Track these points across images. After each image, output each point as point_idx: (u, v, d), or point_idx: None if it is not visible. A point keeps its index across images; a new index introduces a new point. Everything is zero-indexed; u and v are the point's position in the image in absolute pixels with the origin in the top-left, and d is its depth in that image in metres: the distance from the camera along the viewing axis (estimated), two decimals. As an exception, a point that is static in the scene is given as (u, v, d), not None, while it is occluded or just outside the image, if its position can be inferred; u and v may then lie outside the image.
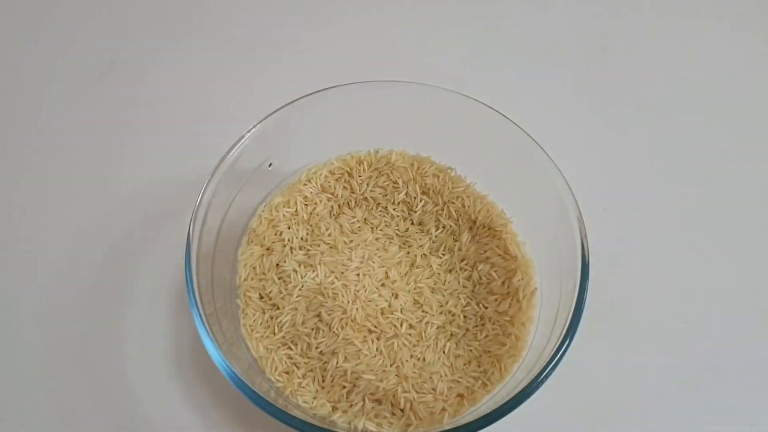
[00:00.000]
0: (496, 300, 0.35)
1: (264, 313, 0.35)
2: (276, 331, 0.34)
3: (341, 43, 0.50)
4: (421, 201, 0.38)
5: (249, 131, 0.34)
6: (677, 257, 0.40)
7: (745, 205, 0.43)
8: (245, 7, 0.52)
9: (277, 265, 0.36)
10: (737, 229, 0.42)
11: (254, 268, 0.36)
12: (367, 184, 0.38)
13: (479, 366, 0.34)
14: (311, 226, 0.37)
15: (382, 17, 0.52)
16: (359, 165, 0.39)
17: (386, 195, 0.38)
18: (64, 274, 0.39)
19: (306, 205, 0.38)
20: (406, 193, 0.38)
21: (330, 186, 0.38)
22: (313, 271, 0.35)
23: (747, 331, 0.38)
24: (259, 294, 0.35)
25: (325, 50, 0.49)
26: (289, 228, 0.37)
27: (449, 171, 0.38)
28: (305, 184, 0.38)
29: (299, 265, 0.36)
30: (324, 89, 0.35)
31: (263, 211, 0.37)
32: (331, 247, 0.36)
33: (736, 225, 0.42)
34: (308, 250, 0.36)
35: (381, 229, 0.38)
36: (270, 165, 0.36)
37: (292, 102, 0.35)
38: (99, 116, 0.46)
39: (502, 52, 0.50)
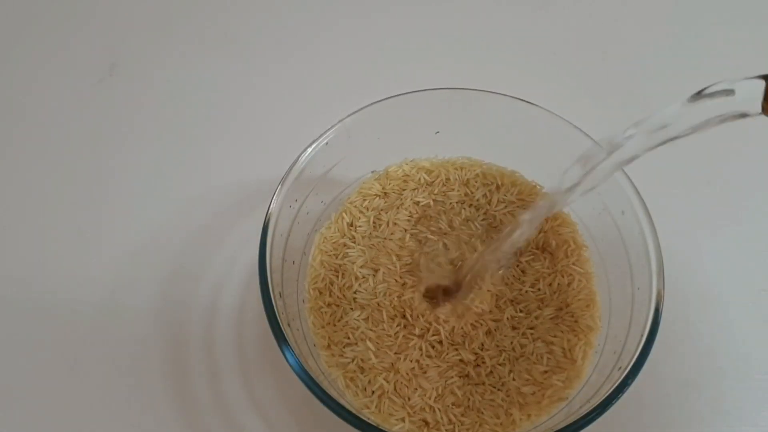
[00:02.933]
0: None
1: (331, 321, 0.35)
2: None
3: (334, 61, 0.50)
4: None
5: (320, 137, 0.35)
6: (677, 257, 0.40)
7: (748, 204, 0.43)
8: (247, 10, 0.53)
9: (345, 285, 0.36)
10: (738, 229, 0.42)
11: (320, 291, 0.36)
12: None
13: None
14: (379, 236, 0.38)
15: (378, 22, 0.52)
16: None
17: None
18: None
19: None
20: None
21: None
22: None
23: (748, 330, 0.38)
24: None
25: (322, 67, 0.50)
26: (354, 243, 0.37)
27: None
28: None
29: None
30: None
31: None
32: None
33: (736, 224, 0.42)
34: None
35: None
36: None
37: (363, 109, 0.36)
38: (99, 119, 0.47)
39: (502, 53, 0.50)
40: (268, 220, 0.32)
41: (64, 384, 0.37)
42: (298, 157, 0.34)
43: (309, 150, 0.34)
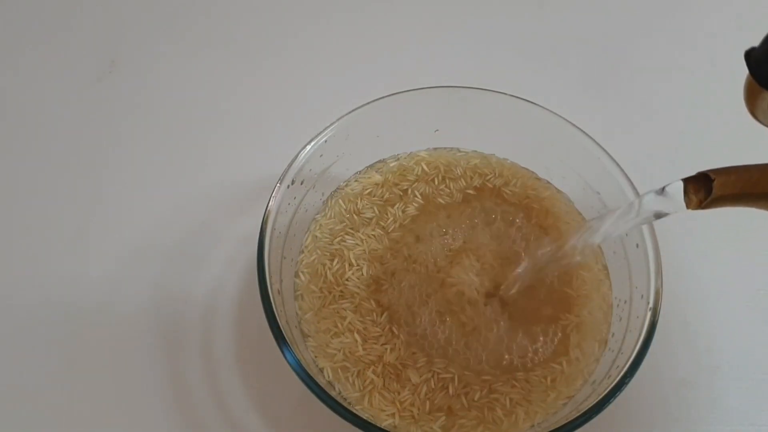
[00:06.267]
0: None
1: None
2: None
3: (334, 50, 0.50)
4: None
5: (319, 135, 0.35)
6: (675, 256, 0.40)
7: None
8: (246, 7, 0.52)
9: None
10: (736, 228, 0.41)
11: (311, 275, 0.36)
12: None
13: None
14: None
15: (377, 20, 0.52)
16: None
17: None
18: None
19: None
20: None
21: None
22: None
23: (746, 330, 0.39)
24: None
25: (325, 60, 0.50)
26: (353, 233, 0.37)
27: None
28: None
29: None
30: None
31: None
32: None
33: (734, 224, 0.41)
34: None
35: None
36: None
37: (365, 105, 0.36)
38: (98, 117, 0.47)
39: (503, 52, 0.50)
40: (267, 217, 0.32)
41: (61, 383, 0.37)
42: (297, 154, 0.34)
43: (308, 147, 0.35)
